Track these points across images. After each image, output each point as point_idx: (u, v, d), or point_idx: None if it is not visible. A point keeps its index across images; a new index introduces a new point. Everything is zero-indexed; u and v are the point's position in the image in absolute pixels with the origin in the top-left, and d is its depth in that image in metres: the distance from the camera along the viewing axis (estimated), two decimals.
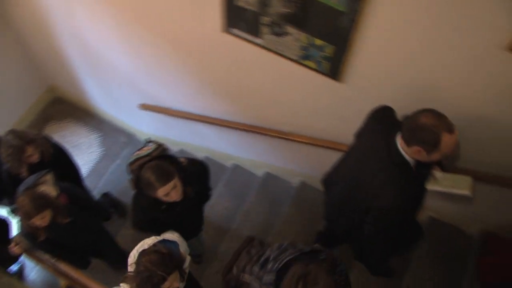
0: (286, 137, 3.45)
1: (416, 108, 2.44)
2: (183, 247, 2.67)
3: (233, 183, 4.37)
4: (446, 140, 1.97)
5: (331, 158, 3.43)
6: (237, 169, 4.48)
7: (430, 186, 2.46)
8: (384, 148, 2.22)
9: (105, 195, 4.50)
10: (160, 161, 2.58)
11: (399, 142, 2.15)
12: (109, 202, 4.46)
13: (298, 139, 3.40)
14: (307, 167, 3.92)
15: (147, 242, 2.53)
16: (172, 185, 2.51)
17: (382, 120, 2.37)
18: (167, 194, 2.53)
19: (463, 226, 3.51)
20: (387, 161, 2.21)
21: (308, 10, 2.36)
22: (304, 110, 3.18)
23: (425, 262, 3.38)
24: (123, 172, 4.79)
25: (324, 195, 2.91)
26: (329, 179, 2.81)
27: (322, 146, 3.31)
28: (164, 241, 2.59)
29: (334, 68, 2.59)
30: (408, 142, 2.08)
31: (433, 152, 2.04)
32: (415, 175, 2.23)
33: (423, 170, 2.29)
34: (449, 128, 1.97)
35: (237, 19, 2.69)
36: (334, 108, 2.98)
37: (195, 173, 2.90)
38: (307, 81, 2.85)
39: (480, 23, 2.01)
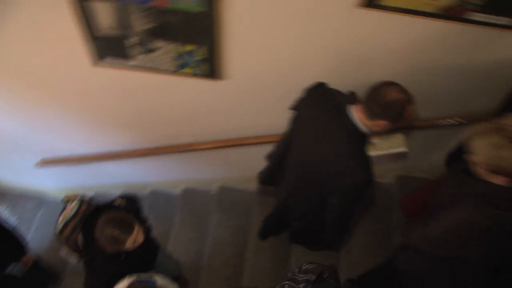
0: (191, 148, 3.46)
1: (300, 80, 2.53)
2: (160, 280, 2.56)
3: (154, 209, 4.30)
4: (410, 111, 2.05)
5: (241, 155, 3.52)
6: (154, 194, 4.43)
7: (371, 153, 2.53)
8: (341, 125, 2.21)
9: (35, 264, 4.25)
10: (110, 213, 2.43)
11: (356, 115, 2.16)
12: (40, 271, 4.22)
13: (203, 147, 3.42)
14: (221, 171, 3.95)
15: (123, 285, 2.38)
16: (137, 230, 2.40)
17: (323, 98, 2.35)
18: (134, 241, 2.41)
19: (379, 178, 3.69)
20: (346, 137, 2.21)
21: (169, 20, 2.39)
22: (200, 117, 3.21)
23: (356, 220, 3.51)
24: (42, 236, 4.59)
25: (275, 192, 2.89)
26: (274, 173, 2.80)
27: (228, 146, 3.35)
28: (140, 280, 2.47)
29: (212, 68, 2.64)
30: (374, 117, 2.09)
31: (397, 124, 2.10)
32: (365, 143, 2.28)
33: (367, 137, 2.33)
34: (412, 99, 2.05)
35: (106, 48, 2.65)
36: (227, 105, 3.04)
37: (134, 209, 2.81)
38: (193, 89, 2.88)
39: None
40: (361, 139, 2.21)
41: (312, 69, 2.58)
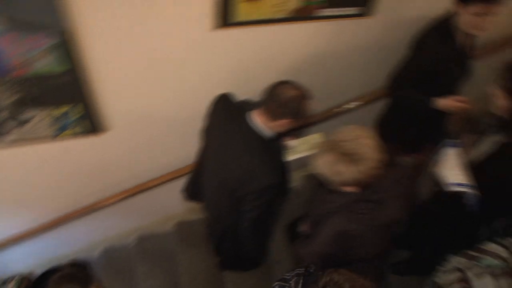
0: (98, 206, 3.34)
1: (190, 108, 2.61)
2: None
3: None
4: (308, 105, 2.13)
5: (151, 198, 3.45)
6: None
7: (291, 156, 2.56)
8: (243, 132, 2.24)
9: None
10: (63, 271, 2.23)
11: (258, 120, 2.20)
12: None
13: (110, 201, 3.32)
14: (136, 220, 3.86)
15: None
16: (95, 286, 2.23)
17: (226, 108, 2.38)
18: None
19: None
20: (249, 143, 2.24)
21: (34, 87, 2.32)
22: (97, 174, 3.13)
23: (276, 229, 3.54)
24: None
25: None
26: (196, 187, 2.78)
27: (134, 194, 3.29)
28: None
29: (93, 123, 2.60)
30: (275, 117, 2.13)
31: (298, 120, 2.16)
32: (275, 146, 2.32)
33: (279, 141, 2.38)
34: (307, 94, 2.12)
35: None
36: (120, 154, 3.00)
37: (84, 269, 2.64)
38: (81, 148, 2.82)
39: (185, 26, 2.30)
40: (266, 143, 2.26)
41: (201, 94, 2.64)
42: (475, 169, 2.43)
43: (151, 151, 3.06)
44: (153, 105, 2.70)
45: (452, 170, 2.47)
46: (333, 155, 1.83)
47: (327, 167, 1.86)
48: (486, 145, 2.41)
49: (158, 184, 3.28)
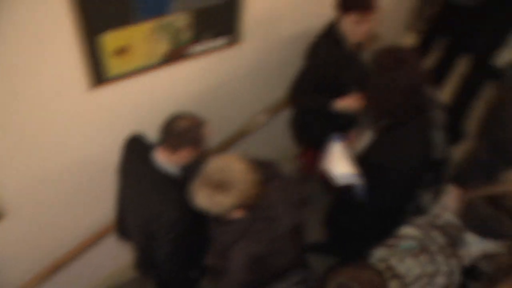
0: None
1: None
2: None
3: None
4: (205, 132, 2.17)
5: (72, 272, 3.27)
6: None
7: None
8: (146, 170, 2.26)
9: None
10: None
11: (161, 156, 2.23)
12: None
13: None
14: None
15: None
16: None
17: (135, 150, 2.39)
18: None
19: None
20: (156, 182, 2.26)
21: None
22: (6, 264, 2.91)
23: None
24: None
25: None
26: (125, 229, 2.73)
27: (51, 273, 3.10)
28: None
29: None
30: (175, 149, 2.15)
31: (198, 148, 2.19)
32: (186, 181, 2.29)
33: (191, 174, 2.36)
34: (202, 121, 2.17)
35: None
36: (24, 237, 2.83)
37: None
38: None
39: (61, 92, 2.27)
40: (174, 179, 2.29)
41: (99, 151, 2.67)
42: (360, 159, 2.57)
43: (60, 222, 2.94)
44: (48, 175, 2.61)
45: (338, 162, 2.58)
46: (206, 189, 1.87)
47: (206, 202, 1.90)
48: (369, 135, 2.56)
49: (76, 255, 3.13)
